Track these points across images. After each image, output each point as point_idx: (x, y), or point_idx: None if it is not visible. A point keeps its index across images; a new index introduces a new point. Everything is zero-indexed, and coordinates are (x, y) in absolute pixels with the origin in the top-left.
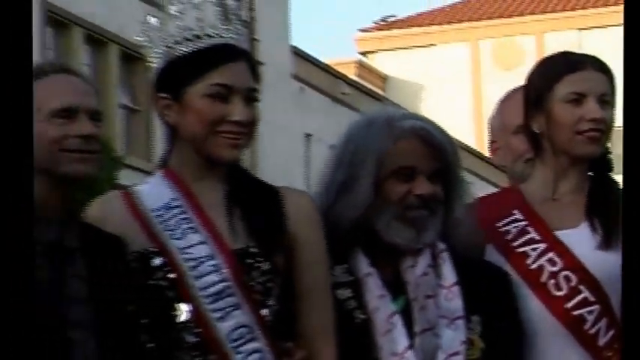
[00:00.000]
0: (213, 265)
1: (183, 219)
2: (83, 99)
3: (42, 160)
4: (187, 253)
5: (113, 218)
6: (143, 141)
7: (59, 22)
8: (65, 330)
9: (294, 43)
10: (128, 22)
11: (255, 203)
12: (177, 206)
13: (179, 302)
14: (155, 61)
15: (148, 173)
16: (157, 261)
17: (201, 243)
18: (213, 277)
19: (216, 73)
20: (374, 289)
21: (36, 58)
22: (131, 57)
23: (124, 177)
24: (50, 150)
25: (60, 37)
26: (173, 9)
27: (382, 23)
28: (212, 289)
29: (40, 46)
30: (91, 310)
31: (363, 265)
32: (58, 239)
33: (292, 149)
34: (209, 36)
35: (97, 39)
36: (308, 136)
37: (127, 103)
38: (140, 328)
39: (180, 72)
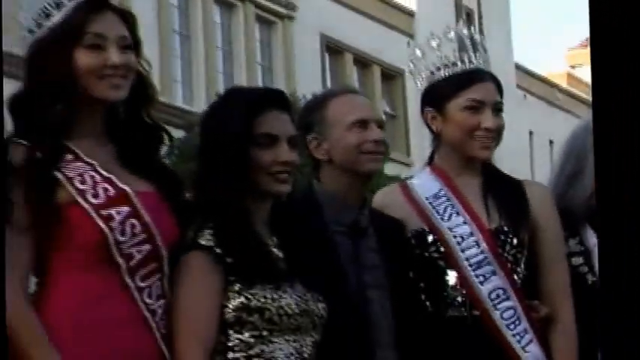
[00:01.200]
0: (474, 241)
1: (449, 205)
2: (371, 112)
3: (346, 161)
4: (453, 232)
5: (394, 205)
6: (401, 139)
7: (334, 49)
8: (364, 291)
9: (516, 59)
10: (386, 47)
11: (504, 192)
12: (443, 195)
13: (448, 270)
14: (420, 82)
15: (405, 164)
16: (430, 238)
17: (464, 223)
18: (475, 250)
19: (470, 91)
20: None
21: (317, 78)
22: (389, 75)
23: (389, 169)
24: (352, 153)
25: (335, 61)
26: (433, 43)
27: (586, 42)
28: (474, 260)
29: (321, 68)
30: (382, 276)
31: (592, 237)
32: (355, 221)
33: (519, 144)
34: (463, 62)
35: (363, 61)
36: (531, 133)
37: (387, 110)
38: (419, 290)
39: (442, 91)
